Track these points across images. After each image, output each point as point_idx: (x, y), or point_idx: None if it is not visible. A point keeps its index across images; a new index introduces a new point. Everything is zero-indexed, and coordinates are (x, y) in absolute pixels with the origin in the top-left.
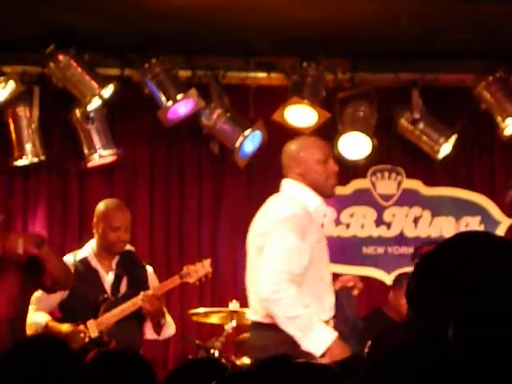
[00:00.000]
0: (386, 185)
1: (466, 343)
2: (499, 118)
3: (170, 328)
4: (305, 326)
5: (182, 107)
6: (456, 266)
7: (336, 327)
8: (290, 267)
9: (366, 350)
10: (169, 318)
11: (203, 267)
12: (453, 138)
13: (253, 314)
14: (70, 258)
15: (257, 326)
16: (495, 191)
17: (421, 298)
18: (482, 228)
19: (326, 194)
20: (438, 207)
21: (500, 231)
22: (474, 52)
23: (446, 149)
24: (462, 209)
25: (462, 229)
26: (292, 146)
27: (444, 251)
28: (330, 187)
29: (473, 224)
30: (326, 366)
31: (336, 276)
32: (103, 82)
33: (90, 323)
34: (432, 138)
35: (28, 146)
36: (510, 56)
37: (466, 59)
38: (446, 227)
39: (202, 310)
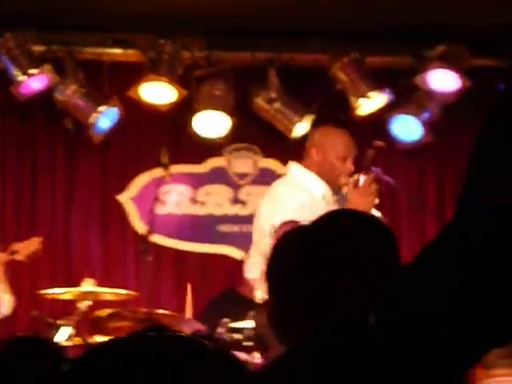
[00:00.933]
0: (242, 163)
1: (390, 334)
2: (353, 99)
3: (2, 306)
4: None
5: (35, 82)
6: (315, 245)
7: None
8: None
9: (220, 330)
10: (6, 297)
11: (32, 245)
12: (309, 118)
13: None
14: None
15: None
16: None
17: (281, 275)
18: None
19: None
20: None
21: None
22: (329, 32)
23: (301, 128)
24: None
25: None
26: (318, 133)
27: (301, 231)
28: (337, 185)
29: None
30: (201, 340)
31: (189, 254)
32: None
33: None
34: (288, 118)
35: None
36: (365, 37)
37: (322, 39)
38: None
39: (55, 289)
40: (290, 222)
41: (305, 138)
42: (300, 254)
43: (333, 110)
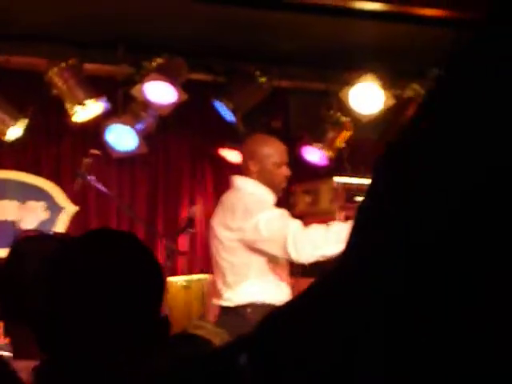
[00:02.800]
0: None
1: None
2: (69, 105)
3: None
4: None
5: None
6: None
7: None
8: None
9: None
10: None
11: None
12: (22, 122)
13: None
14: None
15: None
16: (62, 178)
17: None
18: (47, 213)
19: (275, 195)
20: (2, 190)
21: (64, 217)
22: (46, 36)
23: (14, 132)
24: (27, 193)
25: (26, 213)
26: (250, 144)
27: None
28: (280, 190)
29: (37, 209)
30: None
31: None
32: None
33: None
34: (1, 120)
35: None
36: (83, 43)
37: (40, 43)
38: (9, 211)
39: None
40: (34, 230)
41: (15, 142)
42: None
43: (47, 116)
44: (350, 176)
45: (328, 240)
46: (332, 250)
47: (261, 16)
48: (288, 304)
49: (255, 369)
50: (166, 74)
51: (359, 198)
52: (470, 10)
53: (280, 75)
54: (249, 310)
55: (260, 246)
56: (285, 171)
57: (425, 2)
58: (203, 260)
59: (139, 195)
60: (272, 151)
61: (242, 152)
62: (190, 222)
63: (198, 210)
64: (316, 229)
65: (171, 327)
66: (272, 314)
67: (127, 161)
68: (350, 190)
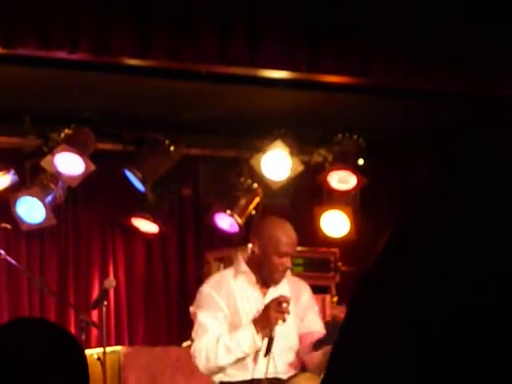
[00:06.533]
0: None
1: None
2: None
3: None
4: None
5: None
6: None
7: None
8: None
9: None
10: None
11: None
12: None
13: None
14: None
15: None
16: None
17: None
18: None
19: (270, 283)
20: None
21: None
22: None
23: None
24: None
25: None
26: (263, 225)
27: None
28: (274, 280)
29: None
30: None
31: None
32: None
33: None
34: None
35: None
36: None
37: None
38: None
39: None
40: None
41: None
42: None
43: None
44: None
45: (218, 354)
46: (223, 362)
47: (169, 85)
48: None
49: None
50: (74, 144)
51: None
52: (374, 77)
53: (189, 143)
54: None
55: None
56: (286, 262)
57: (330, 69)
58: (117, 332)
59: (49, 268)
60: (278, 239)
61: (253, 228)
62: (106, 293)
63: (112, 281)
64: (211, 342)
65: None
66: None
67: (36, 233)
68: None
